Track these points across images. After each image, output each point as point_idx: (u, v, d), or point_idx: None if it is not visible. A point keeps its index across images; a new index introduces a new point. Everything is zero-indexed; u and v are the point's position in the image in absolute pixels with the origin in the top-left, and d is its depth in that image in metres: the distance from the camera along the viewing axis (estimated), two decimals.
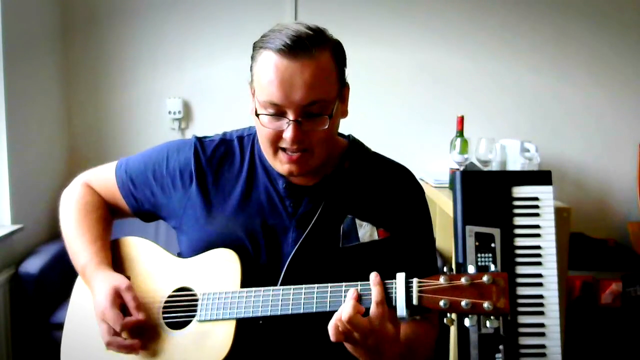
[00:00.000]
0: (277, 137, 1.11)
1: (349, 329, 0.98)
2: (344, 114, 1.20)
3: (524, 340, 1.19)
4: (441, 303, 0.95)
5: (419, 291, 0.98)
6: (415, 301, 0.97)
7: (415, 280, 0.99)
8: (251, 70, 1.14)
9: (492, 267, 0.98)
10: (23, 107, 2.65)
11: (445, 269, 1.00)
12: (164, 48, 3.13)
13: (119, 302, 1.14)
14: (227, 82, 3.09)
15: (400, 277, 1.00)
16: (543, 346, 1.18)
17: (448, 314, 0.97)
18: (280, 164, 1.14)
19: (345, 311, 0.98)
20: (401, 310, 0.98)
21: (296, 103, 1.07)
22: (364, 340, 0.99)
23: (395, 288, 0.99)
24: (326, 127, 1.10)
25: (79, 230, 1.28)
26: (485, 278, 0.95)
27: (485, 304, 0.94)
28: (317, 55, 1.07)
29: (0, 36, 2.45)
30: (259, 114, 1.11)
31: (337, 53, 1.13)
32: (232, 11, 3.11)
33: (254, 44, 1.14)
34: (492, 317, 0.96)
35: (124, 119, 3.16)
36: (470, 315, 0.96)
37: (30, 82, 2.73)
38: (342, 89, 1.16)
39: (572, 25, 3.16)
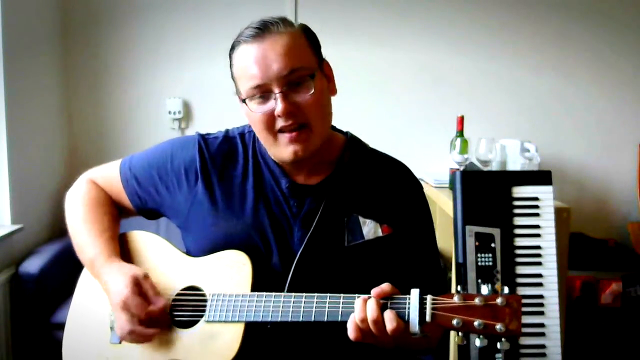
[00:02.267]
0: (271, 120, 1.12)
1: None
2: (333, 91, 1.21)
3: (524, 340, 1.19)
4: (454, 322, 0.95)
5: (433, 308, 0.98)
6: (428, 318, 0.97)
7: (429, 298, 0.99)
8: (232, 78, 1.18)
9: (506, 290, 0.98)
10: (23, 107, 2.65)
11: (459, 288, 0.99)
12: (164, 48, 3.13)
13: (139, 291, 1.14)
14: (227, 82, 3.02)
15: (415, 293, 1.00)
16: (543, 346, 1.18)
17: (459, 333, 0.97)
18: (285, 148, 1.14)
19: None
20: (414, 326, 0.98)
21: (276, 75, 1.09)
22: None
23: (409, 303, 0.99)
24: (312, 91, 1.11)
25: (85, 224, 1.27)
26: (499, 300, 0.95)
27: (498, 326, 0.94)
28: (284, 31, 1.12)
29: (0, 36, 2.45)
30: (245, 101, 1.13)
31: (307, 31, 1.16)
32: (232, 11, 3.10)
33: (229, 54, 1.17)
34: (503, 339, 0.95)
35: (124, 119, 3.16)
36: (481, 336, 0.96)
37: (30, 82, 2.73)
38: (321, 63, 1.17)
39: (573, 26, 3.16)
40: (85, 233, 1.26)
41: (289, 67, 1.09)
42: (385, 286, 1.02)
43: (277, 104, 1.09)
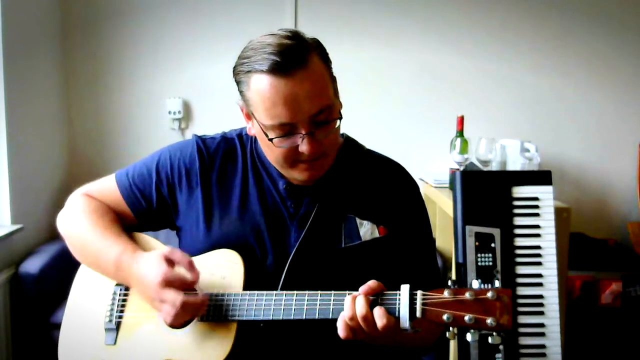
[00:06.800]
0: (293, 153, 1.11)
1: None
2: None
3: (524, 340, 1.18)
4: (444, 317, 0.96)
5: (423, 304, 0.98)
6: (419, 314, 0.98)
7: (419, 293, 0.99)
8: (242, 94, 1.13)
9: (497, 283, 0.98)
10: (23, 107, 2.65)
11: (450, 283, 0.99)
12: (164, 48, 3.13)
13: (173, 265, 1.12)
14: (227, 82, 3.02)
15: (405, 289, 1.00)
16: (543, 346, 1.18)
17: (450, 328, 0.97)
18: (299, 173, 1.14)
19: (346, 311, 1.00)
20: (404, 322, 0.98)
21: (305, 116, 1.07)
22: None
23: (399, 299, 0.99)
24: (336, 127, 1.12)
25: (97, 232, 1.22)
26: (489, 294, 0.95)
27: (489, 320, 0.94)
28: (308, 64, 1.07)
29: (0, 36, 2.45)
30: (272, 139, 1.10)
31: (322, 53, 1.12)
32: (232, 11, 3.10)
33: (235, 68, 1.13)
34: (494, 334, 0.96)
35: (124, 119, 3.15)
36: (472, 330, 0.96)
37: (30, 82, 2.73)
38: (334, 85, 1.17)
39: (572, 25, 3.16)
40: (100, 239, 1.22)
41: (317, 107, 1.08)
42: (372, 283, 1.02)
43: (302, 144, 1.08)
